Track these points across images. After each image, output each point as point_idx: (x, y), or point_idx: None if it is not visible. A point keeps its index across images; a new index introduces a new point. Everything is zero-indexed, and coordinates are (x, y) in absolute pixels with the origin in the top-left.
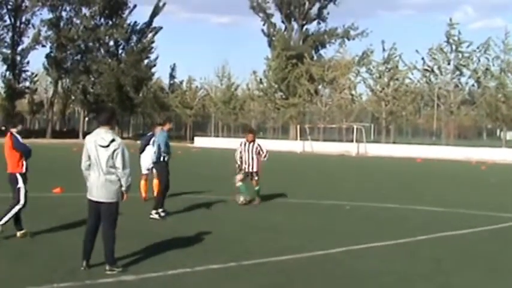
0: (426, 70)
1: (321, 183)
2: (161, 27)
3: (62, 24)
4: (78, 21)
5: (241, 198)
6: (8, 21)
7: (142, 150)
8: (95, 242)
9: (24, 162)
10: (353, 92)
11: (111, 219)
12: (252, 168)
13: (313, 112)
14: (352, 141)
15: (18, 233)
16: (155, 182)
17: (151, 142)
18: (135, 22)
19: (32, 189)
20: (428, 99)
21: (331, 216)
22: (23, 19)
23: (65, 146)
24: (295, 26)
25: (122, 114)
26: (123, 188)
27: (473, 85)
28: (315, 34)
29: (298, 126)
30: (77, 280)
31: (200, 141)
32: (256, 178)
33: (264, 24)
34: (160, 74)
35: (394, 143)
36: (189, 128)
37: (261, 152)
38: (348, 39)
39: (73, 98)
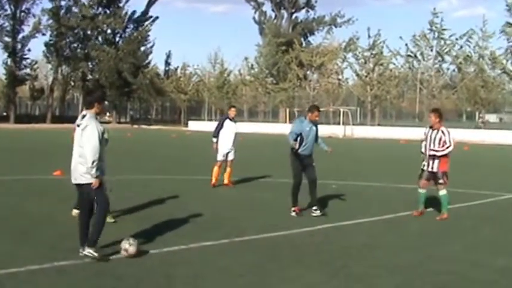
0: (409, 56)
1: None
2: (157, 17)
3: (61, 13)
4: (77, 10)
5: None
6: (9, 10)
7: (215, 135)
8: (88, 227)
9: None
10: (340, 77)
11: (91, 202)
12: (433, 166)
13: (302, 96)
14: (339, 123)
15: None
16: (228, 170)
17: (225, 126)
18: (134, 11)
19: (34, 171)
20: (412, 84)
21: (319, 194)
22: (23, 8)
23: (65, 131)
24: (285, 14)
25: (120, 99)
26: (90, 171)
27: (454, 70)
28: (304, 22)
29: (287, 110)
30: (77, 258)
31: (194, 125)
32: (441, 181)
33: (255, 13)
34: (156, 60)
35: (379, 125)
36: (184, 112)
37: (446, 143)
38: (335, 27)
39: (72, 84)
